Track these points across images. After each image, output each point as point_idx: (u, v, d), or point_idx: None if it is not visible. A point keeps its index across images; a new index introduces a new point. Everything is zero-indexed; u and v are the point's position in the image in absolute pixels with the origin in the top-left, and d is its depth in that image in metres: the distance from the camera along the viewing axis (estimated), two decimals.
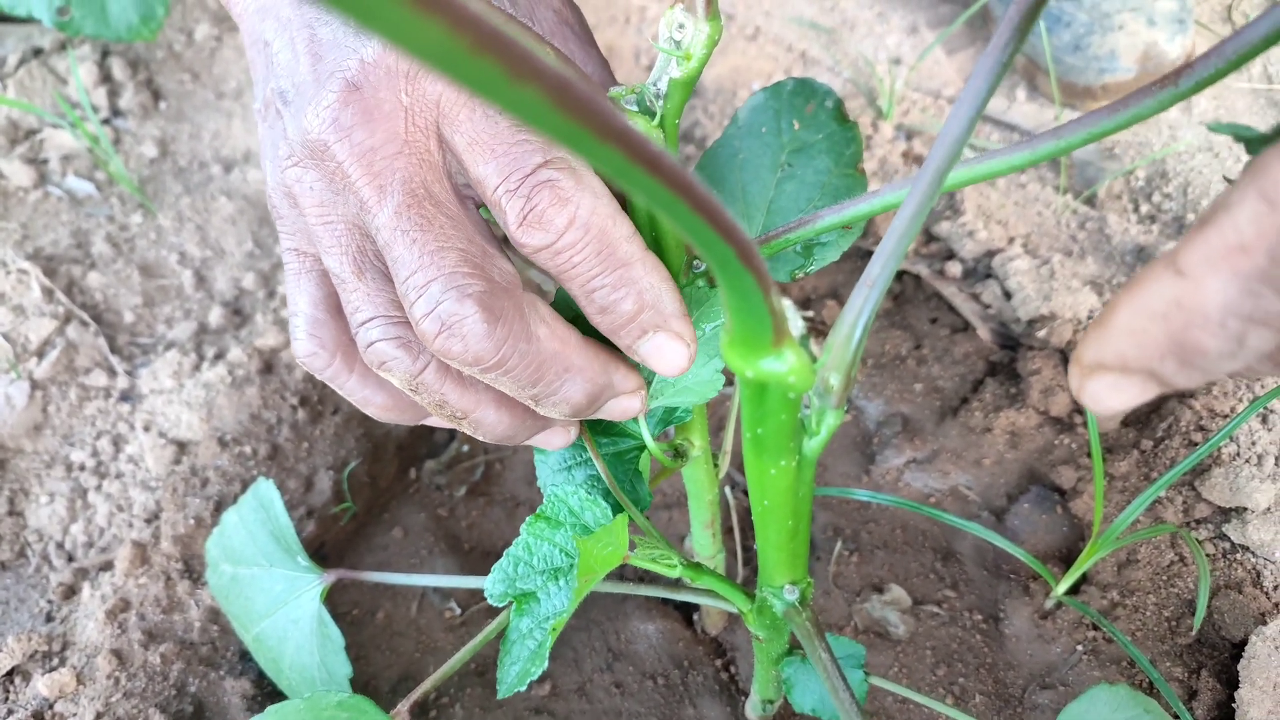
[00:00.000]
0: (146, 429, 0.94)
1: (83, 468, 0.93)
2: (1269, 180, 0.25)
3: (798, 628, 0.51)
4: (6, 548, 0.89)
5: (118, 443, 0.94)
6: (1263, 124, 1.17)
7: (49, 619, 0.84)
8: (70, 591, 0.85)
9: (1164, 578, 0.84)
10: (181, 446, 0.93)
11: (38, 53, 1.25)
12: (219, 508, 0.89)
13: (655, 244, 0.52)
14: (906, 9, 1.37)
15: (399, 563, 0.96)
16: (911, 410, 1.03)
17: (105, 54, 1.27)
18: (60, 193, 1.15)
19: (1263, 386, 0.90)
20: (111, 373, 1.00)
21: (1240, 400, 0.89)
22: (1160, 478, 0.75)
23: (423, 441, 1.08)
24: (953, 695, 0.82)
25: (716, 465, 0.68)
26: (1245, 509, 0.83)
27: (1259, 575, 0.81)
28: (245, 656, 0.84)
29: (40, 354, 0.99)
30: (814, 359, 0.34)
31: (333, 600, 0.91)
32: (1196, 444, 0.88)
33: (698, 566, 0.54)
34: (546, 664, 0.49)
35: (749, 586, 0.57)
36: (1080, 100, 1.22)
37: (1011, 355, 1.04)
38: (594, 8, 1.38)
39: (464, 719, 0.83)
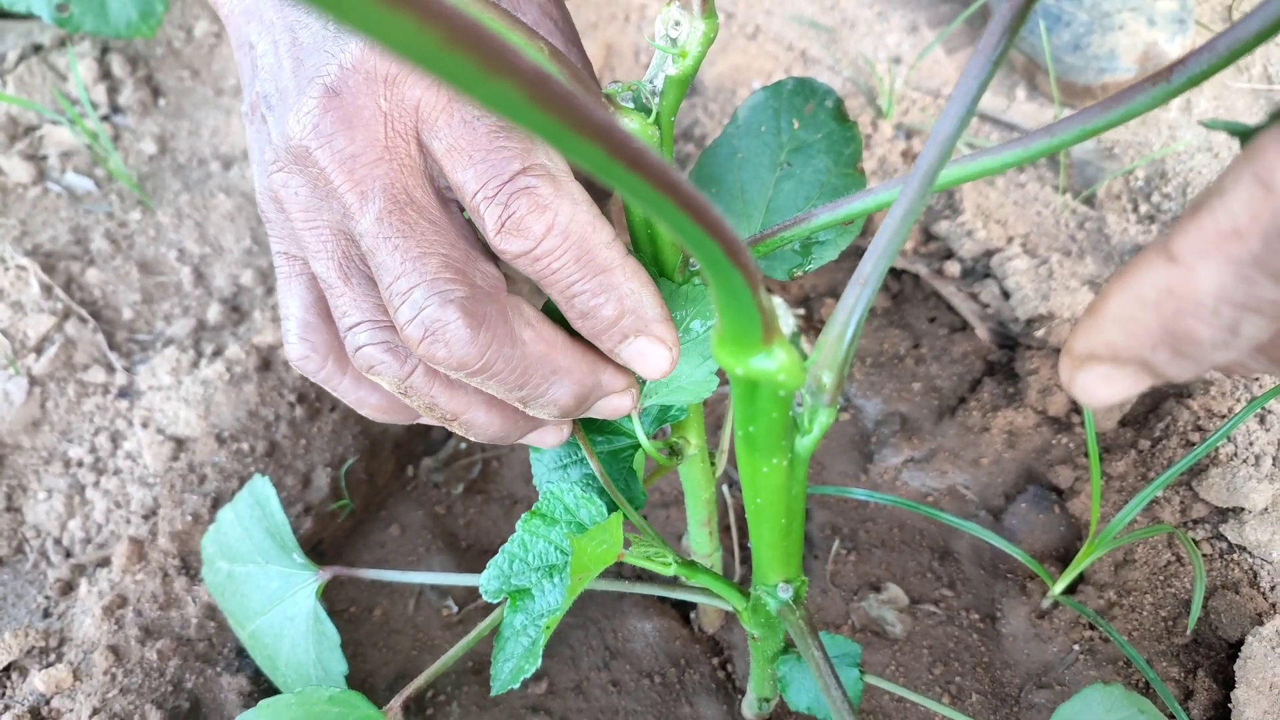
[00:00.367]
0: (145, 425, 0.94)
1: (81, 464, 0.93)
2: (1263, 164, 0.25)
3: (791, 626, 0.51)
4: (4, 543, 0.89)
5: (116, 439, 0.94)
6: None
7: (46, 615, 0.84)
8: (68, 588, 0.86)
9: (1161, 578, 0.84)
10: (179, 443, 0.93)
11: (37, 49, 1.25)
12: (217, 504, 0.89)
13: (650, 242, 0.52)
14: (906, 8, 1.37)
15: (396, 560, 0.96)
16: (909, 409, 1.02)
17: (105, 51, 1.27)
18: (59, 189, 1.15)
19: (1260, 386, 0.90)
20: (110, 369, 1.00)
21: (1238, 400, 0.89)
22: (1157, 478, 0.74)
23: (420, 439, 1.08)
24: (949, 694, 0.82)
25: (713, 464, 0.68)
26: (1242, 509, 0.83)
27: (1256, 575, 0.81)
28: (242, 653, 0.84)
29: (39, 350, 0.99)
30: (805, 357, 0.34)
31: (330, 597, 0.91)
32: (1194, 444, 0.87)
33: (692, 564, 0.54)
34: (540, 661, 0.49)
35: (746, 585, 0.57)
36: (1080, 100, 1.21)
37: (1010, 355, 1.03)
38: (595, 5, 1.38)
39: (461, 717, 0.83)
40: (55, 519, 0.90)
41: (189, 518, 0.87)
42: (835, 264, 1.14)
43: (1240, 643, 0.78)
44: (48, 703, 0.76)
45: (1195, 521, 0.85)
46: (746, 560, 0.93)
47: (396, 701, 0.63)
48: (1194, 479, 0.86)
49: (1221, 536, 0.83)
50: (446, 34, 0.14)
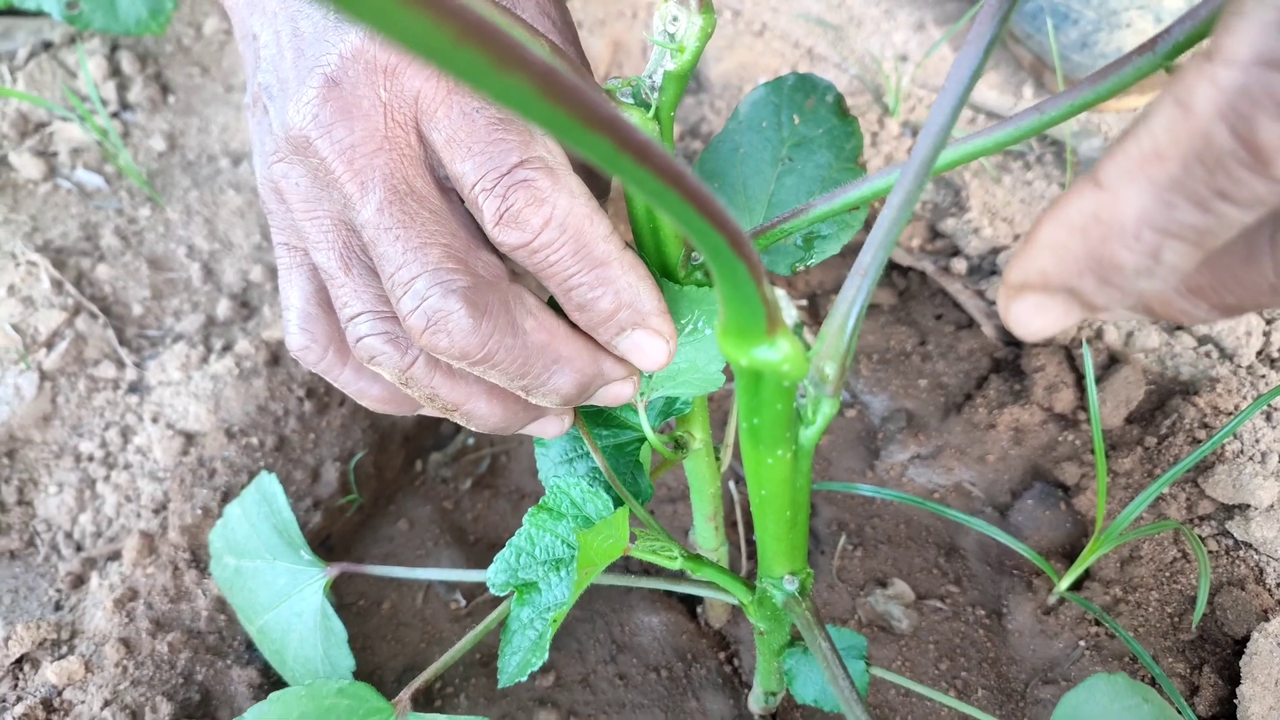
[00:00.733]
0: (154, 420, 0.95)
1: (91, 458, 0.93)
2: (1183, 86, 0.24)
3: (797, 618, 0.51)
4: (16, 537, 0.90)
5: (126, 434, 0.95)
6: None
7: (57, 608, 0.85)
8: (79, 581, 0.86)
9: (1167, 574, 0.84)
10: (189, 438, 0.93)
11: (47, 46, 1.26)
12: (226, 498, 0.90)
13: (653, 236, 0.52)
14: (913, 6, 1.37)
15: (405, 554, 0.97)
16: (916, 406, 1.03)
17: (114, 48, 1.28)
18: (69, 185, 1.16)
19: (1267, 384, 0.90)
20: (120, 364, 1.00)
21: (1245, 398, 0.89)
22: (1164, 474, 0.75)
23: (428, 433, 1.09)
24: (955, 689, 0.82)
25: (718, 458, 0.68)
26: (1249, 506, 0.83)
27: (1262, 572, 0.81)
28: (252, 646, 0.84)
29: (49, 345, 0.99)
30: (808, 348, 0.34)
31: (339, 590, 0.92)
32: (1200, 441, 0.88)
33: (698, 558, 0.55)
34: (547, 655, 0.50)
35: (752, 579, 0.57)
36: None
37: (1016, 352, 1.04)
38: (602, 1, 1.38)
39: (469, 709, 0.84)
40: (66, 513, 0.90)
41: (199, 511, 0.88)
42: (839, 259, 1.14)
43: (1246, 639, 0.78)
44: (60, 694, 0.76)
45: (1201, 518, 0.85)
46: (753, 555, 0.93)
47: (405, 694, 0.64)
48: (1200, 476, 0.86)
49: (1228, 533, 0.83)
50: (459, 30, 0.15)
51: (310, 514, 0.93)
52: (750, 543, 0.94)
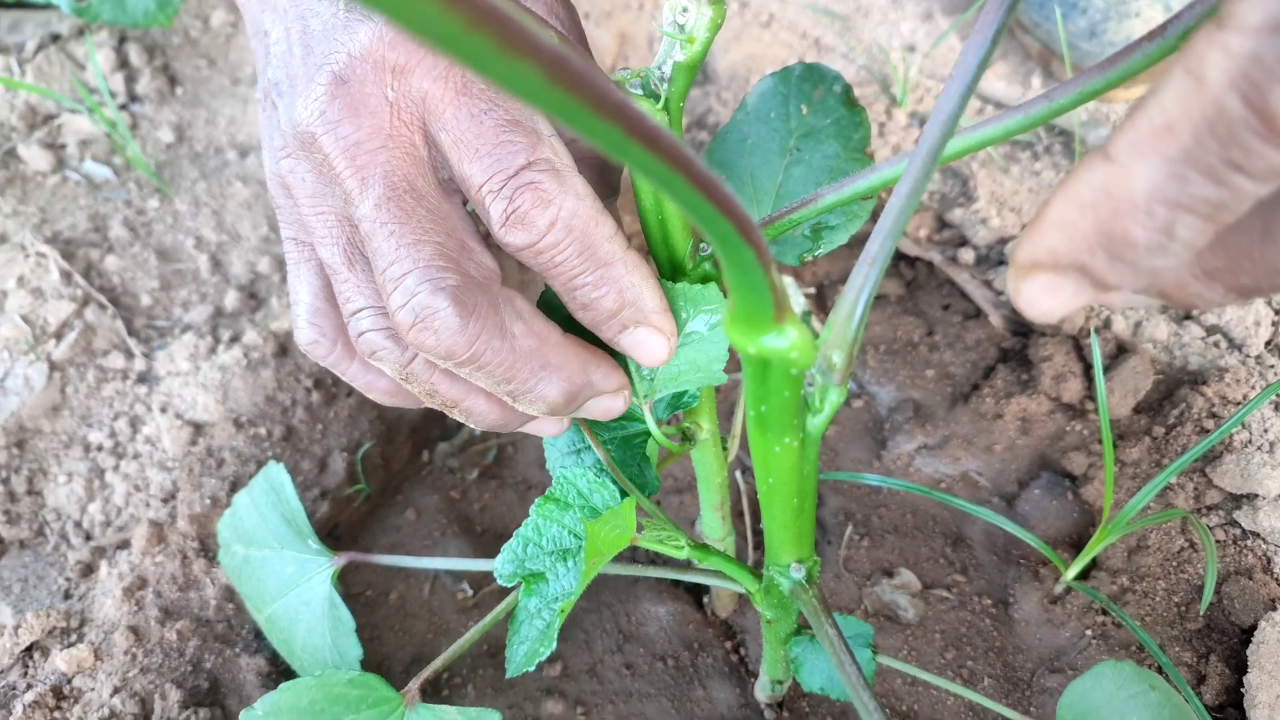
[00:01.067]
0: (163, 410, 0.95)
1: (100, 448, 0.94)
2: (1193, 56, 0.24)
3: (804, 605, 0.51)
4: (25, 526, 0.90)
5: (135, 424, 0.95)
6: None
7: (67, 596, 0.85)
8: (88, 569, 0.87)
9: (1174, 563, 0.84)
10: (198, 428, 0.94)
11: (56, 39, 1.26)
12: (235, 488, 0.90)
13: (661, 228, 0.52)
14: None
15: (412, 544, 0.97)
16: (923, 396, 1.03)
17: (122, 40, 1.28)
18: (78, 177, 1.16)
19: (1275, 373, 0.90)
20: (129, 355, 1.01)
21: (1253, 387, 0.89)
22: (1171, 464, 0.75)
23: (435, 424, 1.09)
24: (961, 678, 0.82)
25: (725, 449, 0.69)
26: (1257, 495, 0.83)
27: (1269, 561, 0.81)
28: (260, 634, 0.85)
29: (59, 336, 1.00)
30: (816, 336, 0.34)
31: (346, 581, 0.92)
32: (1208, 431, 0.87)
33: (705, 547, 0.55)
34: (555, 645, 0.50)
35: (759, 569, 0.57)
36: None
37: (1023, 342, 1.03)
38: None
39: (476, 699, 0.84)
40: (75, 502, 0.91)
41: (207, 501, 0.88)
42: (847, 250, 1.14)
43: (1253, 628, 0.78)
44: (69, 681, 0.77)
45: (1209, 508, 0.85)
46: (759, 546, 0.94)
47: (414, 684, 0.64)
48: (1208, 465, 0.86)
49: (1235, 523, 0.83)
50: (469, 16, 0.15)
51: (318, 504, 0.94)
52: (756, 533, 0.94)
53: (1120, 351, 0.97)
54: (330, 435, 0.97)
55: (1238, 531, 0.83)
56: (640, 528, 0.53)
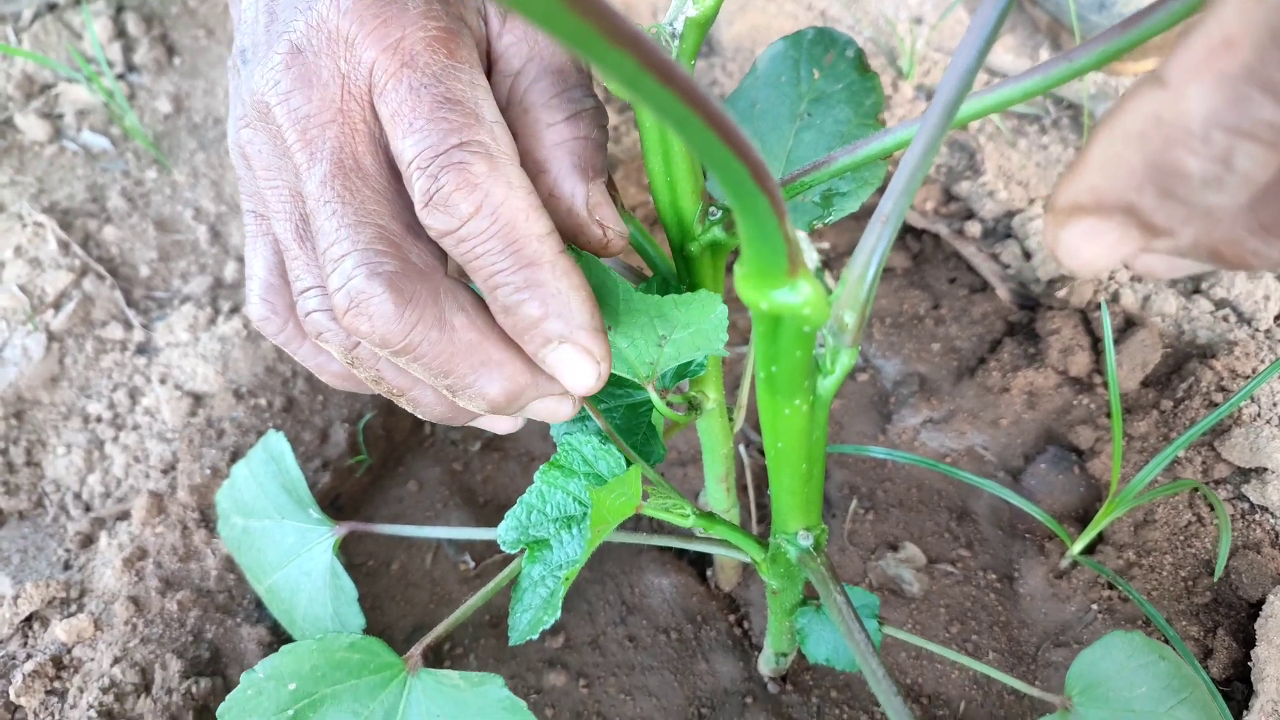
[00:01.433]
0: (163, 381, 0.94)
1: (100, 419, 0.93)
2: None
3: (812, 573, 0.51)
4: (25, 497, 0.89)
5: (134, 395, 0.94)
6: None
7: (66, 567, 0.85)
8: (88, 540, 0.86)
9: (1181, 538, 0.83)
10: (197, 399, 0.93)
11: (52, 7, 1.25)
12: (235, 458, 0.89)
13: (669, 190, 0.51)
14: None
15: (414, 515, 0.97)
16: (929, 370, 1.02)
17: (119, 9, 1.27)
18: (76, 147, 1.15)
19: None
20: (128, 325, 1.00)
21: (1262, 361, 0.88)
22: (1179, 438, 0.74)
23: None
24: (966, 652, 0.82)
25: (731, 419, 0.68)
26: (1265, 469, 0.82)
27: (1277, 535, 0.80)
28: (261, 604, 0.84)
29: (57, 306, 0.99)
30: (829, 292, 0.33)
31: (348, 551, 0.92)
32: (1217, 404, 0.87)
33: (711, 516, 0.54)
34: (559, 613, 0.49)
35: (764, 540, 0.57)
36: None
37: (1030, 315, 1.03)
38: None
39: (478, 669, 0.84)
40: (75, 473, 0.90)
41: (207, 471, 0.88)
42: (855, 221, 1.13)
43: (1261, 602, 0.77)
44: (69, 651, 0.77)
45: (1217, 482, 0.85)
46: (764, 519, 0.93)
47: (417, 649, 0.63)
48: (1216, 439, 0.85)
49: (1243, 497, 0.83)
50: None
51: (319, 474, 0.93)
52: (761, 506, 0.94)
53: (1129, 325, 0.96)
54: (331, 406, 0.97)
55: (1246, 506, 0.82)
56: (645, 496, 0.53)
